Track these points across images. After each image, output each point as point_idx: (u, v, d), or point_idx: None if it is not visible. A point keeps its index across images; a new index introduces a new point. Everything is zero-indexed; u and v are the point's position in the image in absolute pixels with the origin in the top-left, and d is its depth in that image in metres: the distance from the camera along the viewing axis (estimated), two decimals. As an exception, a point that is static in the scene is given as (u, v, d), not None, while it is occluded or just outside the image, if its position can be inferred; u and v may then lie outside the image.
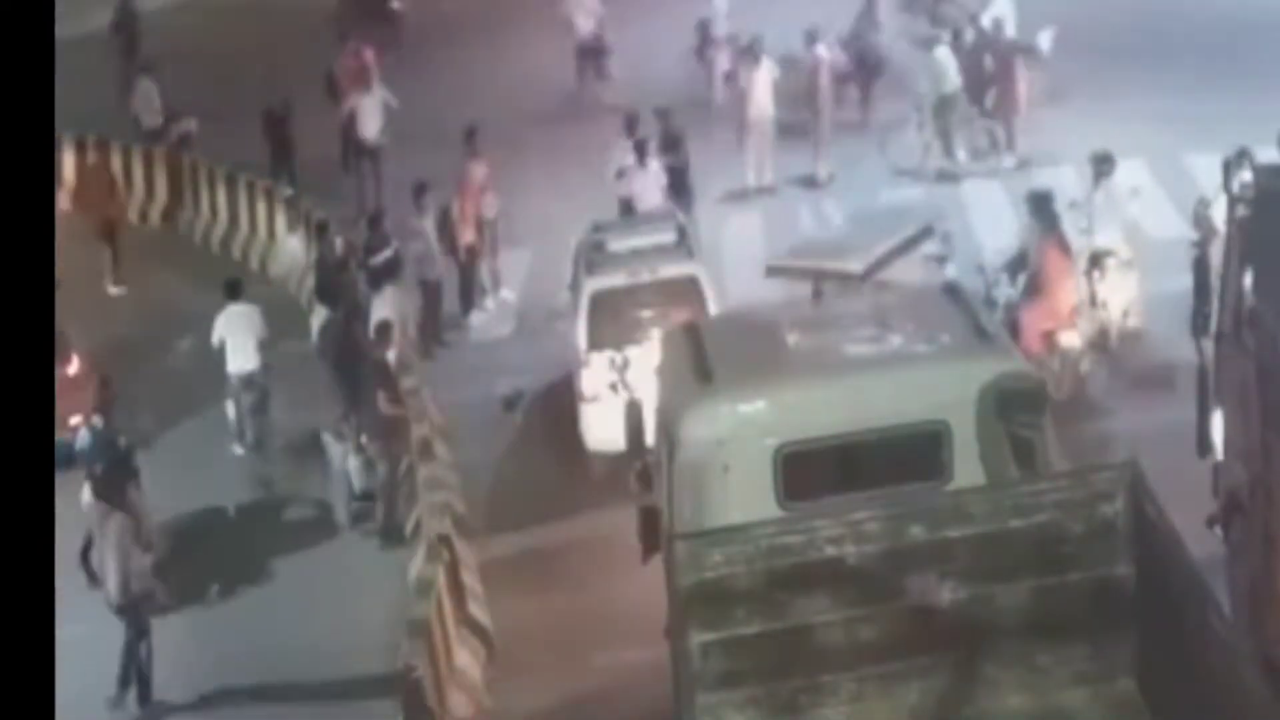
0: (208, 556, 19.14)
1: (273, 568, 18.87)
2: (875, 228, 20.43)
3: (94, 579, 17.47)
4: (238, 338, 21.02)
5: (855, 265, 19.13)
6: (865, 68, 28.66)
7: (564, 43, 31.64)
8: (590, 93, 31.22)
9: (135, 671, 16.71)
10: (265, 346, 21.19)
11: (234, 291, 21.65)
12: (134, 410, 20.58)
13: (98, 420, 18.94)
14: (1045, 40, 27.24)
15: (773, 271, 20.15)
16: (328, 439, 19.33)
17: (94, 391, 19.35)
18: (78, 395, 19.76)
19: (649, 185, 23.58)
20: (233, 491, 20.46)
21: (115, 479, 17.79)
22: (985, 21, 28.19)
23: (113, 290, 26.49)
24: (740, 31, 29.45)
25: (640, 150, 23.76)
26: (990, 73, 26.98)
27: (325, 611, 17.61)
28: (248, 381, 21.10)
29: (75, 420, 19.44)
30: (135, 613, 16.68)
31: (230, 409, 21.26)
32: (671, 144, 24.69)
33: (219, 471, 20.88)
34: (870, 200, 24.65)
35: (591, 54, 31.47)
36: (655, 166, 23.82)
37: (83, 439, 18.91)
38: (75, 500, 17.97)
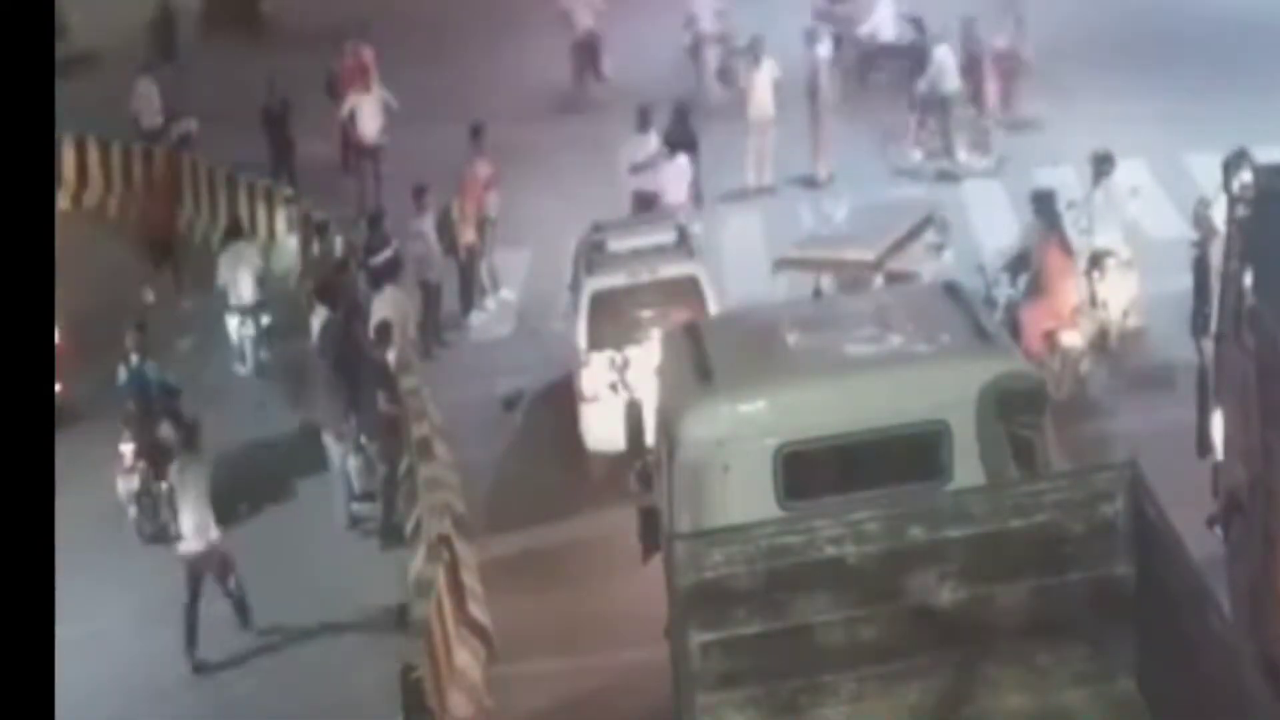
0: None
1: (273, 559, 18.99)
2: (876, 222, 20.36)
3: (161, 531, 18.10)
4: (238, 273, 22.92)
5: (869, 253, 19.03)
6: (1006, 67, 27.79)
7: (562, 40, 31.63)
8: (588, 91, 31.21)
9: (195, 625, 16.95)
10: (263, 279, 23.16)
11: (235, 230, 24.25)
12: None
13: (135, 359, 19.46)
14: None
15: (781, 265, 19.88)
16: (328, 439, 19.32)
17: (130, 335, 19.76)
18: (59, 367, 19.95)
19: (677, 179, 23.57)
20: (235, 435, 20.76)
21: (154, 413, 18.82)
22: (865, 29, 28.35)
23: (186, 305, 25.10)
24: (733, 30, 29.51)
25: (669, 144, 23.75)
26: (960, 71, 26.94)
27: (324, 611, 17.60)
28: (248, 312, 22.85)
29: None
30: (212, 560, 16.89)
31: (233, 332, 22.95)
32: (689, 141, 24.67)
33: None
34: (870, 200, 24.62)
35: (588, 51, 31.45)
36: (683, 160, 23.79)
37: (121, 376, 19.47)
38: (89, 466, 18.60)
